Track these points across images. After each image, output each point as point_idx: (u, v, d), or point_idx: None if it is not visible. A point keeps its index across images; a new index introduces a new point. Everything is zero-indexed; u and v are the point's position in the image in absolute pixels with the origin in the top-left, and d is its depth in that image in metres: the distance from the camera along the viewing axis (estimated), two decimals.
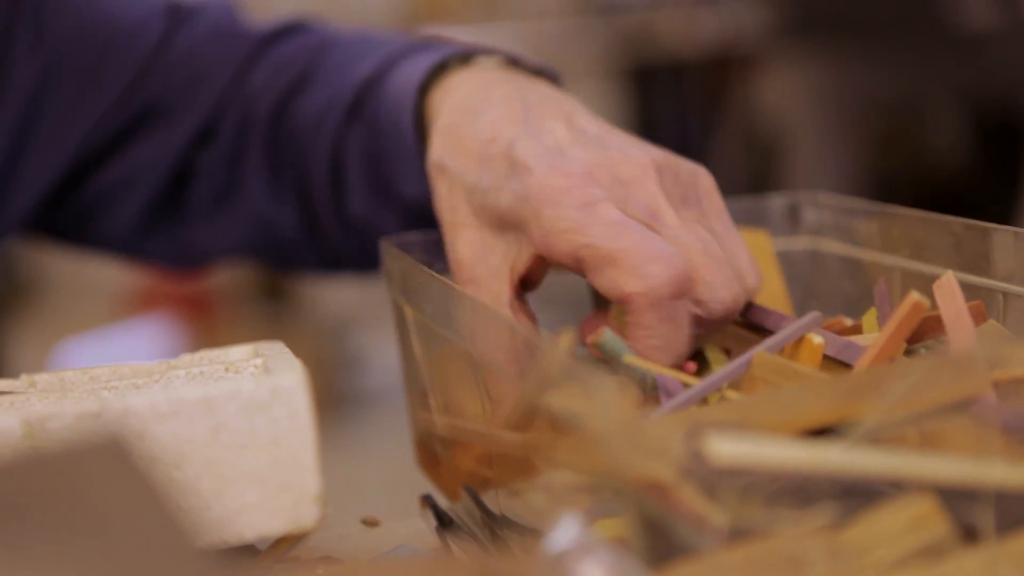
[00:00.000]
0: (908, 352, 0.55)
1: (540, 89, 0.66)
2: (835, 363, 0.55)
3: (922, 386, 0.44)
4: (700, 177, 0.61)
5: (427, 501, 0.63)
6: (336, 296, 3.24)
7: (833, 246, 0.68)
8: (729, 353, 0.60)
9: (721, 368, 0.54)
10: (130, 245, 0.86)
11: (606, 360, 0.57)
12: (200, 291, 3.16)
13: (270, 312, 3.24)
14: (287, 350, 0.57)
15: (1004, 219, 0.62)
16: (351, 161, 0.76)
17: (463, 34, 0.82)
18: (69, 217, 0.85)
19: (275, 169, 0.81)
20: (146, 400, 0.49)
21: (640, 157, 0.60)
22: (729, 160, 2.75)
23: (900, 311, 0.53)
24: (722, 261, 0.58)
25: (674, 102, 3.25)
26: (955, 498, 0.43)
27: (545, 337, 0.58)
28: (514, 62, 0.70)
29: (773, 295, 0.66)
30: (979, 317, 0.55)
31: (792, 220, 0.70)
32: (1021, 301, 0.57)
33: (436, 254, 0.65)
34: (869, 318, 0.59)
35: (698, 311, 0.57)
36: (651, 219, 0.58)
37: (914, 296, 0.53)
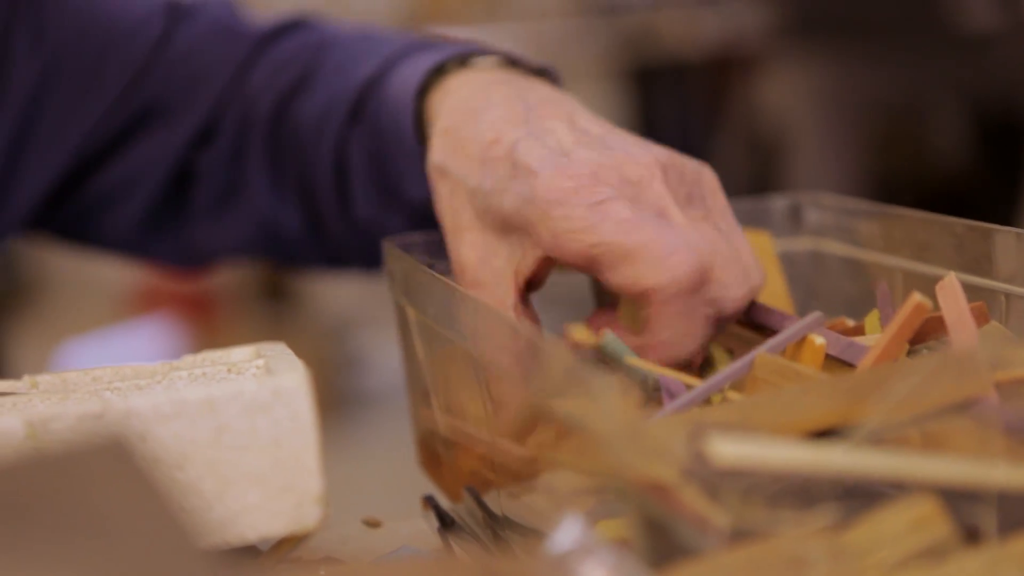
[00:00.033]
0: (910, 353, 0.55)
1: (540, 89, 0.66)
2: (837, 364, 0.55)
3: (924, 387, 0.44)
4: (704, 175, 0.61)
5: (429, 502, 0.63)
6: (338, 296, 3.24)
7: (835, 247, 0.68)
8: (733, 353, 0.60)
9: (723, 369, 0.54)
10: (133, 245, 0.86)
11: (607, 361, 0.57)
12: (202, 292, 3.16)
13: (272, 312, 3.24)
14: (289, 351, 0.57)
15: (1006, 220, 0.62)
16: (355, 163, 0.76)
17: (464, 35, 0.81)
18: (71, 217, 0.85)
19: (277, 169, 0.81)
20: (148, 401, 0.49)
21: (644, 157, 0.60)
22: (731, 161, 2.75)
23: (902, 312, 0.53)
24: (732, 259, 0.58)
25: (676, 103, 3.25)
26: (957, 499, 0.43)
27: (548, 338, 0.58)
28: (513, 62, 0.69)
29: (775, 296, 0.66)
30: (981, 318, 0.55)
31: (794, 221, 0.70)
32: (1023, 302, 0.57)
33: (438, 255, 0.65)
34: (872, 320, 0.59)
35: (710, 309, 0.57)
36: (659, 218, 0.58)
37: (916, 297, 0.53)
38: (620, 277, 0.56)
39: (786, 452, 0.42)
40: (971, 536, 0.43)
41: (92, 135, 0.81)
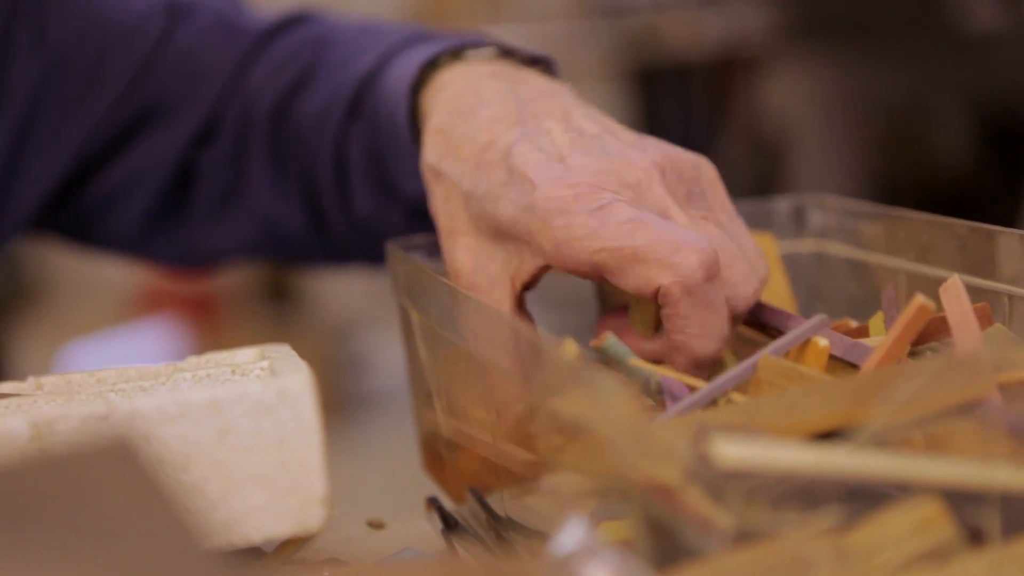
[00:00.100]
0: (913, 354, 0.55)
1: (534, 82, 0.65)
2: (841, 365, 0.55)
3: (928, 389, 0.44)
4: (702, 169, 0.61)
5: (432, 503, 0.63)
6: (341, 298, 3.24)
7: (838, 249, 0.68)
8: (737, 354, 0.60)
9: (727, 370, 0.54)
10: (135, 245, 0.86)
11: (608, 363, 0.56)
12: (205, 293, 3.16)
13: (275, 314, 3.24)
14: (293, 353, 0.57)
15: (1009, 222, 0.62)
16: (354, 160, 0.76)
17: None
18: (73, 218, 0.85)
19: (279, 168, 0.80)
20: (153, 402, 0.49)
21: (642, 160, 0.59)
22: (734, 162, 2.75)
23: (905, 314, 0.53)
24: (738, 256, 0.58)
25: (679, 104, 3.25)
26: (961, 501, 0.43)
27: (550, 339, 0.58)
28: (506, 52, 0.68)
29: (778, 297, 0.66)
30: (984, 320, 0.55)
31: (797, 223, 0.70)
32: None
33: (441, 256, 0.65)
34: (876, 321, 0.59)
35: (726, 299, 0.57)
36: None
37: (919, 299, 0.53)
38: (631, 279, 0.56)
39: (790, 454, 0.42)
40: (975, 538, 0.43)
41: (93, 135, 0.81)
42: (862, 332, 0.59)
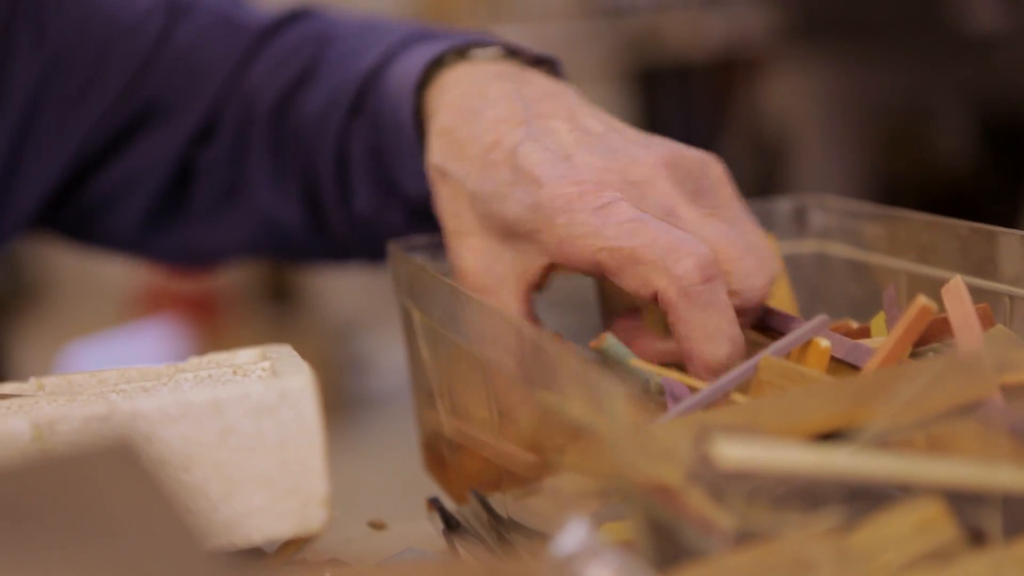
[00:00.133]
0: (915, 355, 0.55)
1: (539, 83, 0.65)
2: (842, 366, 0.55)
3: (929, 390, 0.44)
4: (709, 166, 0.61)
5: (434, 504, 0.63)
6: (342, 298, 3.24)
7: (839, 249, 0.68)
8: None
9: (729, 371, 0.54)
10: (135, 243, 0.86)
11: (609, 364, 0.56)
12: (206, 293, 3.17)
13: (276, 314, 3.24)
14: (295, 353, 0.57)
15: (1010, 222, 0.62)
16: (355, 157, 0.75)
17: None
18: (73, 216, 0.84)
19: (279, 164, 0.80)
20: (154, 403, 0.49)
21: (648, 157, 0.59)
22: (735, 163, 2.74)
23: (907, 315, 0.53)
24: (747, 249, 0.58)
25: (680, 105, 3.25)
26: (962, 501, 0.43)
27: (551, 340, 0.58)
28: (512, 52, 0.68)
29: (779, 298, 0.66)
30: (986, 321, 0.55)
31: (799, 223, 0.70)
32: None
33: (443, 257, 0.65)
34: (878, 322, 0.59)
35: (734, 302, 0.57)
36: (668, 217, 0.58)
37: (921, 300, 0.53)
38: (629, 280, 0.56)
39: (791, 454, 0.42)
40: (976, 538, 0.43)
41: (93, 134, 0.81)
42: (863, 333, 0.59)
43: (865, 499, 0.42)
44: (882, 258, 0.65)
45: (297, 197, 0.79)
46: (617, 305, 0.64)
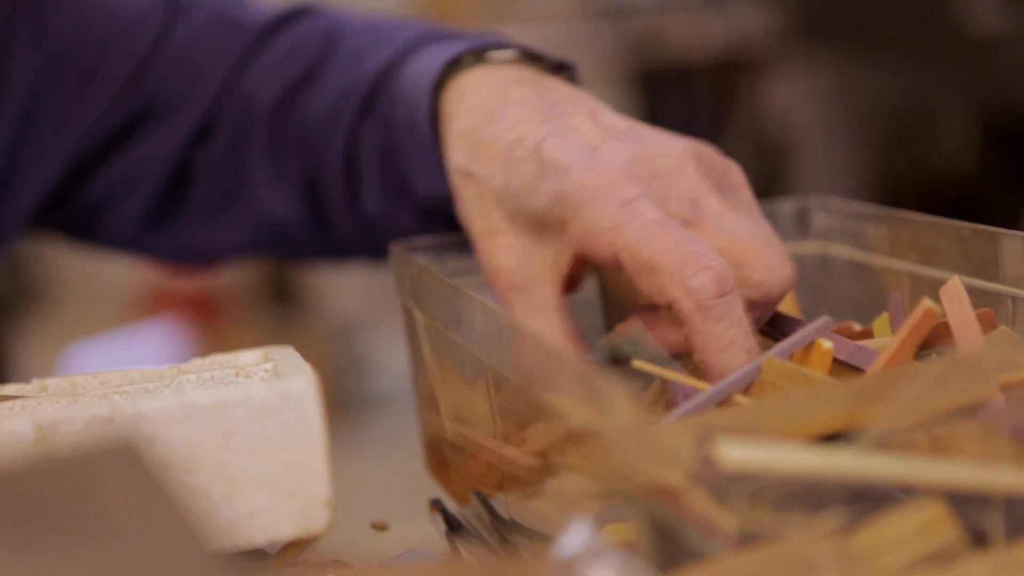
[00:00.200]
0: (918, 358, 0.55)
1: (559, 88, 0.65)
2: (845, 368, 0.55)
3: (931, 391, 0.44)
4: (732, 171, 0.61)
5: (436, 505, 0.63)
6: (345, 299, 3.24)
7: (842, 251, 0.68)
8: None
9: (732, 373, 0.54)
10: (135, 243, 0.86)
11: (618, 359, 0.56)
12: (208, 294, 3.17)
13: (278, 315, 3.24)
14: (297, 355, 0.57)
15: (1012, 223, 0.62)
16: (365, 157, 0.75)
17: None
18: (72, 215, 0.84)
19: (279, 162, 0.79)
20: (157, 404, 0.49)
21: (675, 147, 0.59)
22: (737, 164, 2.75)
23: (911, 319, 0.53)
24: (771, 242, 0.58)
25: (682, 106, 3.25)
26: (964, 503, 0.43)
27: (550, 340, 0.58)
28: (530, 55, 0.68)
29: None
30: (989, 325, 0.55)
31: (801, 224, 0.70)
32: None
33: (446, 257, 0.65)
34: (881, 323, 0.59)
35: (756, 294, 0.57)
36: (693, 208, 0.58)
37: (926, 303, 0.53)
38: (647, 286, 0.56)
39: (793, 456, 0.42)
40: (978, 540, 0.43)
41: (92, 132, 0.81)
42: (866, 335, 0.59)
43: (867, 500, 0.42)
44: (884, 259, 0.65)
45: (299, 196, 0.79)
46: (620, 306, 0.64)
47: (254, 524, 0.50)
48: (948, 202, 2.50)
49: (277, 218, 0.80)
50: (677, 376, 0.54)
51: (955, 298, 0.54)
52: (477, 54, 0.68)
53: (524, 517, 0.55)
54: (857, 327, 0.61)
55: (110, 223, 0.84)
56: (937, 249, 0.61)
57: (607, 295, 0.65)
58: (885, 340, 0.56)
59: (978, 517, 0.43)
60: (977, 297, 0.56)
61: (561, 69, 0.68)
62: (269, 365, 0.57)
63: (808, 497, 0.42)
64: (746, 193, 0.61)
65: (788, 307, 0.65)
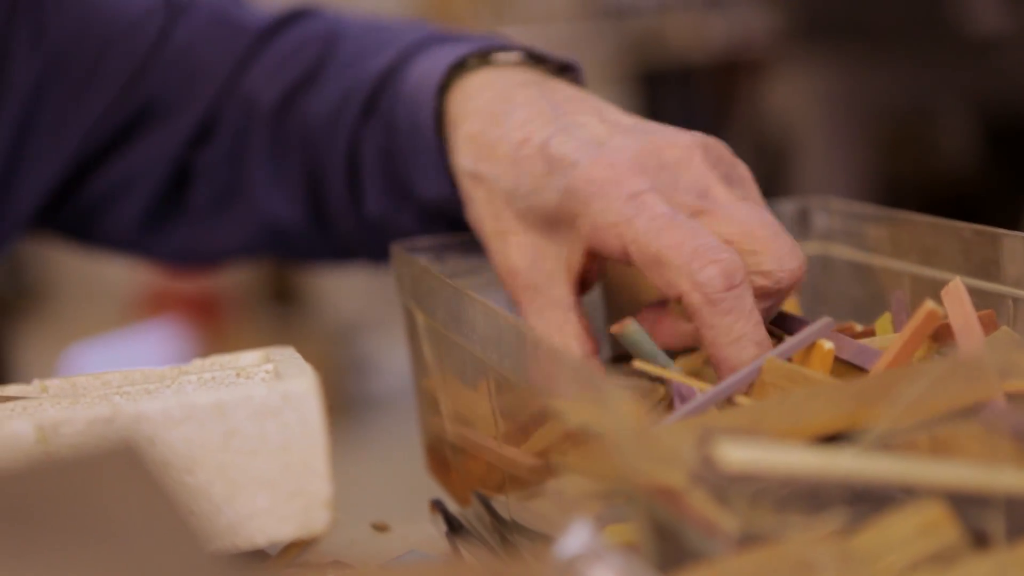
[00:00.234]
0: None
1: (564, 89, 0.65)
2: (846, 368, 0.55)
3: (932, 392, 0.44)
4: (739, 166, 0.61)
5: (437, 506, 0.63)
6: (345, 300, 3.24)
7: (843, 251, 0.68)
8: None
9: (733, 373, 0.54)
10: (135, 244, 0.86)
11: (629, 353, 0.56)
12: (208, 295, 3.17)
13: (279, 316, 3.24)
14: (298, 355, 0.57)
15: (1013, 224, 0.62)
16: (367, 158, 0.74)
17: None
18: (72, 216, 0.84)
19: (280, 163, 0.79)
20: (158, 405, 0.49)
21: (682, 139, 0.59)
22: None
23: (914, 320, 0.53)
24: (781, 231, 0.58)
25: (683, 106, 3.25)
26: (965, 504, 0.43)
27: (549, 341, 0.58)
28: (534, 57, 0.68)
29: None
30: (990, 326, 0.55)
31: (802, 225, 0.70)
32: None
33: (446, 258, 0.65)
34: (883, 322, 0.59)
35: (767, 283, 0.56)
36: (702, 198, 0.58)
37: (928, 305, 0.53)
38: (656, 279, 0.56)
39: (794, 456, 0.42)
40: (979, 541, 0.43)
41: (92, 133, 0.80)
42: (867, 335, 0.59)
43: (868, 501, 0.42)
44: (885, 260, 0.65)
45: (300, 197, 0.79)
46: (623, 304, 0.64)
47: (255, 525, 0.50)
48: (949, 202, 2.50)
49: (277, 219, 0.80)
50: (676, 376, 0.54)
51: (957, 299, 0.54)
52: (482, 56, 0.68)
53: (525, 518, 0.55)
54: (858, 328, 0.61)
55: (110, 224, 0.84)
56: (938, 250, 0.61)
57: (610, 295, 0.65)
58: (888, 339, 0.56)
59: (979, 518, 0.43)
60: (978, 298, 0.56)
61: (566, 71, 0.68)
62: (270, 366, 0.57)
63: (809, 498, 0.42)
64: (752, 187, 0.61)
65: (789, 307, 0.65)
